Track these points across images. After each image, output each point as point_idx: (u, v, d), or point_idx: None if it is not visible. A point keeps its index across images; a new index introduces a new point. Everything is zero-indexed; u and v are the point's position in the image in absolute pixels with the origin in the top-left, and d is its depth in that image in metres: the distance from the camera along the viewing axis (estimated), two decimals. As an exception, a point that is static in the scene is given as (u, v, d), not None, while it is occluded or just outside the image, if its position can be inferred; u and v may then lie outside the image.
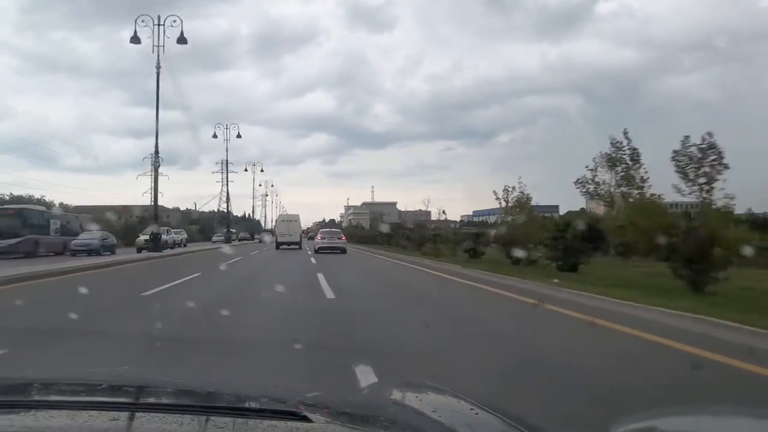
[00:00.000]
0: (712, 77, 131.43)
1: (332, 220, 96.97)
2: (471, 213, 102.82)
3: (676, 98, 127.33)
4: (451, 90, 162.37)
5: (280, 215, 45.71)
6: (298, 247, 35.26)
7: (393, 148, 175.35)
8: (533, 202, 21.55)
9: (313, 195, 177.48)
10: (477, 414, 1.26)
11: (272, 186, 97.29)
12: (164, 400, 1.26)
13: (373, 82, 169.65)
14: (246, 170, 74.26)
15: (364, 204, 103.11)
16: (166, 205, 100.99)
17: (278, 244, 34.95)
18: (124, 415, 1.08)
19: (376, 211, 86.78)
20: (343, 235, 31.64)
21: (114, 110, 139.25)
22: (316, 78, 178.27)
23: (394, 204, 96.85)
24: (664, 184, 16.98)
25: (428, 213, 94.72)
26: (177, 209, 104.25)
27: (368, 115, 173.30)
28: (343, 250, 28.76)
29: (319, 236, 31.62)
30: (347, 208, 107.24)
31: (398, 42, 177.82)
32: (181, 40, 26.44)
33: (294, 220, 37.95)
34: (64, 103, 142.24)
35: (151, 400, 1.27)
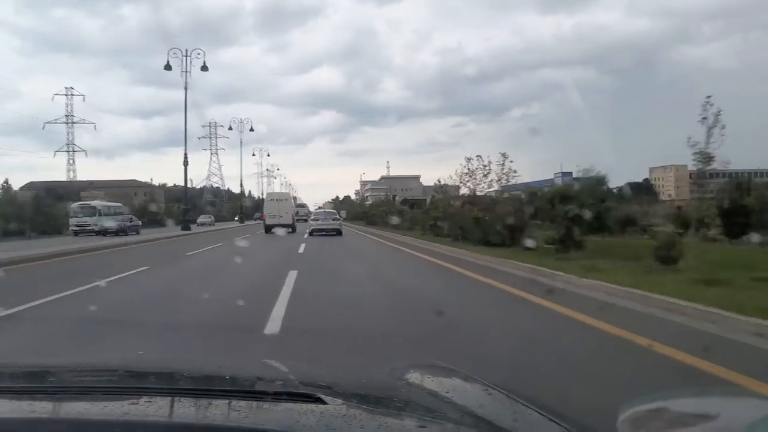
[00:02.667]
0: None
1: (346, 197, 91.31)
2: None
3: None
4: (462, 63, 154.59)
5: (267, 194, 40.17)
6: (290, 230, 30.40)
7: (403, 125, 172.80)
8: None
9: (324, 174, 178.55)
10: (489, 394, 1.31)
11: (278, 169, 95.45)
12: (181, 385, 1.25)
13: (382, 56, 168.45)
14: (254, 154, 71.73)
15: (383, 178, 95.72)
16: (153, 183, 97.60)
17: (267, 228, 30.28)
18: (142, 400, 1.07)
19: (396, 186, 79.61)
20: (338, 216, 30.69)
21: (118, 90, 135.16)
22: (323, 53, 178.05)
23: (417, 178, 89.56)
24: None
25: (456, 188, 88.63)
26: (160, 186, 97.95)
27: (377, 91, 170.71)
28: (339, 232, 27.58)
29: (312, 217, 30.81)
30: (363, 183, 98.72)
31: (407, 14, 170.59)
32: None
33: (284, 199, 33.72)
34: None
35: (168, 384, 1.25)
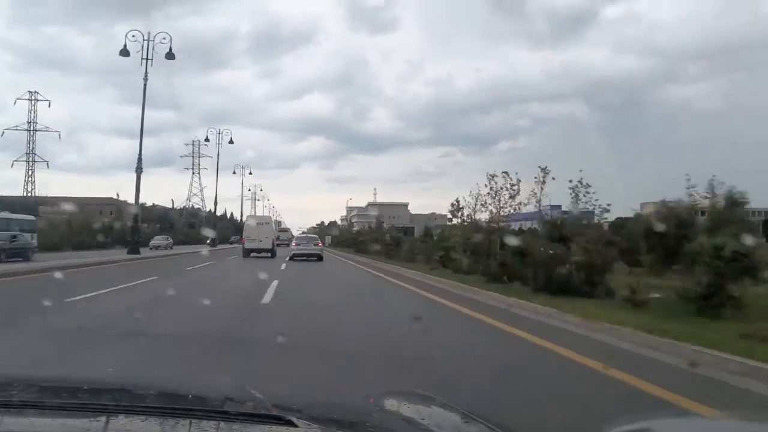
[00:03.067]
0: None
1: (333, 223, 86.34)
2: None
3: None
4: (453, 95, 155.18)
5: (248, 216, 38.65)
6: (269, 255, 28.99)
7: (391, 153, 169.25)
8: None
9: (310, 200, 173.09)
10: (466, 422, 1.29)
11: (261, 190, 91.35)
12: (147, 403, 1.19)
13: (372, 85, 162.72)
14: (234, 173, 67.66)
15: (370, 204, 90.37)
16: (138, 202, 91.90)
17: (246, 252, 28.76)
18: (104, 417, 1.07)
19: (383, 213, 74.76)
20: (319, 242, 30.43)
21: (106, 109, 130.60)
22: (315, 80, 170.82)
23: (405, 205, 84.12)
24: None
25: (443, 216, 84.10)
26: (132, 204, 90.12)
27: (367, 120, 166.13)
28: (320, 257, 27.27)
29: (294, 243, 30.17)
30: (350, 209, 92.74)
31: (399, 44, 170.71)
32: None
33: (265, 222, 31.97)
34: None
35: (134, 402, 1.20)
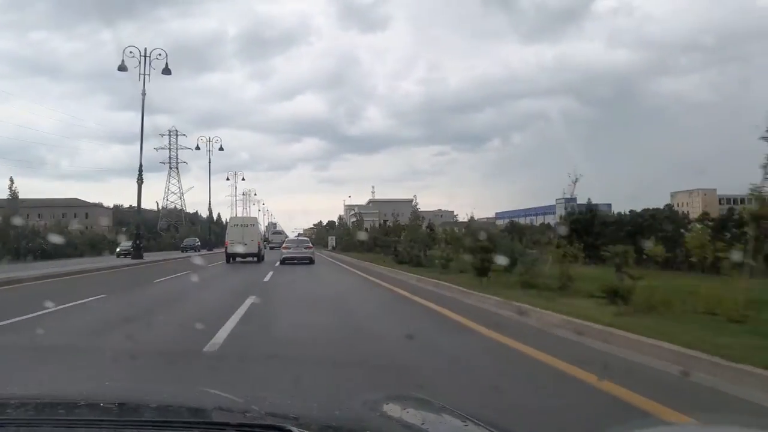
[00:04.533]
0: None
1: (331, 222, 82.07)
2: (494, 215, 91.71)
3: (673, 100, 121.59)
4: (445, 93, 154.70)
5: (230, 219, 35.99)
6: (255, 259, 27.11)
7: (386, 153, 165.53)
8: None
9: (305, 201, 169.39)
10: (465, 425, 1.26)
11: (255, 194, 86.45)
12: (147, 416, 1.17)
13: (365, 84, 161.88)
14: (227, 179, 65.91)
15: (372, 202, 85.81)
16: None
17: (228, 257, 26.64)
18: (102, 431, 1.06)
19: (385, 210, 70.24)
20: (310, 244, 28.91)
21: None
22: (307, 80, 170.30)
23: (409, 202, 79.47)
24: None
25: (451, 213, 79.18)
26: (104, 206, 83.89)
27: (360, 119, 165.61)
28: (311, 260, 26.13)
29: (284, 245, 28.31)
30: (349, 207, 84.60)
31: (391, 43, 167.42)
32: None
33: (250, 224, 29.37)
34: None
35: (128, 416, 1.19)
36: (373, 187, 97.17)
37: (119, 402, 1.30)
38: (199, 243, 49.37)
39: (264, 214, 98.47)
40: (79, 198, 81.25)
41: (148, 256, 30.81)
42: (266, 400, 1.45)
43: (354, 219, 56.89)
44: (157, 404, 1.28)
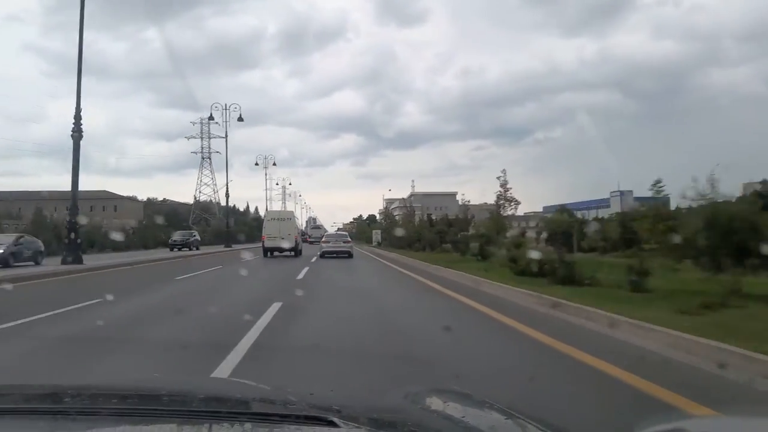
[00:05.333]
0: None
1: (372, 216, 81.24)
2: (541, 209, 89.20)
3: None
4: (484, 86, 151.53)
5: (267, 212, 35.43)
6: (292, 254, 26.49)
7: (424, 148, 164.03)
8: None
9: (345, 197, 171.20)
10: (506, 419, 1.27)
11: (290, 184, 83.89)
12: (194, 407, 1.22)
13: (402, 80, 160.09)
14: (257, 164, 61.85)
15: (413, 195, 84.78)
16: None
17: (266, 251, 26.35)
18: (149, 422, 1.10)
19: (428, 204, 68.52)
20: (349, 239, 29.43)
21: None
22: (345, 77, 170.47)
23: (452, 195, 77.29)
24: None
25: (496, 207, 76.96)
26: (135, 199, 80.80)
27: (398, 115, 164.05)
28: (350, 254, 26.50)
29: (324, 240, 29.05)
30: (389, 201, 78.60)
31: (429, 37, 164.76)
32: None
33: (287, 218, 28.50)
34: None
35: (180, 407, 1.23)
36: (413, 181, 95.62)
37: (167, 392, 1.34)
38: (196, 236, 41.75)
39: (303, 209, 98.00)
40: (108, 190, 78.39)
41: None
42: (308, 393, 1.45)
43: (402, 211, 54.06)
44: (204, 395, 1.32)
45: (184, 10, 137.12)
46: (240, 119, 41.97)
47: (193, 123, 74.61)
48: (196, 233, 43.10)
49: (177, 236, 39.10)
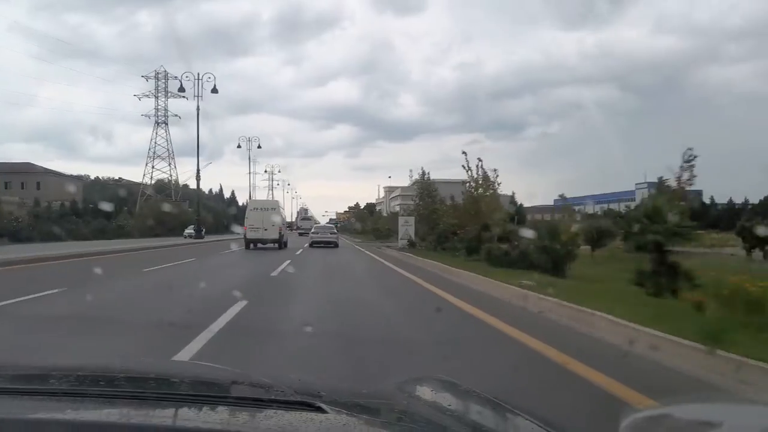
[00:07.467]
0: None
1: (369, 205, 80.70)
2: (552, 202, 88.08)
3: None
4: (481, 79, 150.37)
5: (249, 201, 33.97)
6: (276, 245, 24.95)
7: (419, 140, 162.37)
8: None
9: (337, 188, 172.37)
10: (492, 408, 1.31)
11: (278, 171, 77.74)
12: (181, 390, 1.22)
13: (398, 70, 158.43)
14: (239, 146, 54.12)
15: (418, 182, 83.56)
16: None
17: (248, 242, 25.14)
18: (138, 405, 1.06)
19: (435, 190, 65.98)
20: (335, 231, 31.84)
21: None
22: (340, 66, 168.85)
23: (460, 183, 75.21)
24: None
25: (507, 197, 75.69)
26: (64, 174, 63.54)
27: (394, 106, 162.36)
28: (336, 244, 28.83)
29: (312, 231, 31.63)
30: (389, 189, 72.09)
31: (426, 27, 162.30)
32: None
33: (271, 208, 26.72)
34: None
35: (167, 390, 1.22)
36: (410, 170, 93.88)
37: (155, 376, 1.32)
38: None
39: (293, 198, 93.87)
40: (33, 163, 62.84)
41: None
42: (296, 379, 1.45)
43: (395, 203, 51.48)
44: (191, 379, 1.35)
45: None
46: (214, 90, 37.88)
47: (147, 78, 57.83)
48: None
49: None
